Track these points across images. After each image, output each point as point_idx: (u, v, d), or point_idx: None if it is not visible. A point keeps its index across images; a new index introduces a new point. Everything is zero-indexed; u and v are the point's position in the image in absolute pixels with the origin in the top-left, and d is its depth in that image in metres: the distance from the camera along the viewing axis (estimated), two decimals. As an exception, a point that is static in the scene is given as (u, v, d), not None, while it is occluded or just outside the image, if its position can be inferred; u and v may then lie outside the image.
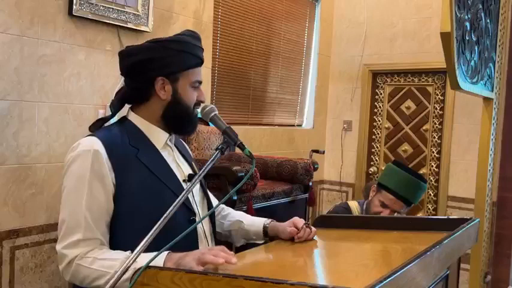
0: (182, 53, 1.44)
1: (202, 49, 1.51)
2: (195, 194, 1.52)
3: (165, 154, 1.48)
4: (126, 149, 1.39)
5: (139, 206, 1.35)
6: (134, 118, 1.48)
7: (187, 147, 1.72)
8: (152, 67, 1.43)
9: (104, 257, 1.27)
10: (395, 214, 2.29)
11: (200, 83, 1.50)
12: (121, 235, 1.34)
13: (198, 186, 1.55)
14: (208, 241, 1.51)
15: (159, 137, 1.47)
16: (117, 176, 1.34)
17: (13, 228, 2.23)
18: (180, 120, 1.48)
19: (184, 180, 1.48)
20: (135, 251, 1.08)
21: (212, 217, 1.61)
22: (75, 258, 1.29)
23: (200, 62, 1.50)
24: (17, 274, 2.26)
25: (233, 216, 1.70)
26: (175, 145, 1.56)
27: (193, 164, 1.60)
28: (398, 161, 2.45)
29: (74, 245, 1.30)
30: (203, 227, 1.51)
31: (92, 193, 1.32)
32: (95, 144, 1.35)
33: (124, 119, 1.49)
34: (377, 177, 4.45)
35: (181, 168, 1.51)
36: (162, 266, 1.18)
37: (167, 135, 1.49)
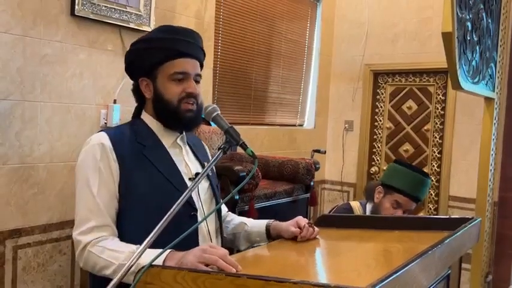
0: (151, 49, 1.48)
1: (182, 40, 1.49)
2: (201, 192, 1.53)
3: (174, 152, 1.51)
4: (132, 145, 1.45)
5: (143, 200, 1.39)
6: (146, 117, 1.54)
7: (207, 148, 1.74)
8: (134, 70, 1.54)
9: (113, 248, 1.32)
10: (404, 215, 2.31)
11: (183, 74, 1.48)
12: (125, 227, 1.39)
13: (206, 185, 1.57)
14: (212, 239, 1.52)
15: (168, 135, 1.52)
16: (121, 169, 1.40)
17: (15, 227, 2.24)
18: (166, 117, 1.50)
19: (190, 179, 1.49)
20: (138, 251, 1.09)
21: (220, 216, 1.62)
22: (88, 244, 1.35)
23: (176, 54, 1.47)
24: (19, 273, 2.26)
25: (236, 221, 1.72)
26: (189, 144, 1.59)
27: (205, 164, 1.61)
28: (400, 160, 2.47)
29: (88, 232, 1.36)
30: (207, 226, 1.51)
31: (101, 180, 1.39)
32: (102, 138, 1.44)
33: (137, 118, 1.56)
34: (378, 177, 4.45)
35: (189, 167, 1.53)
36: (161, 264, 1.19)
37: (177, 134, 1.54)
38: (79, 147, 2.41)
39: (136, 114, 1.58)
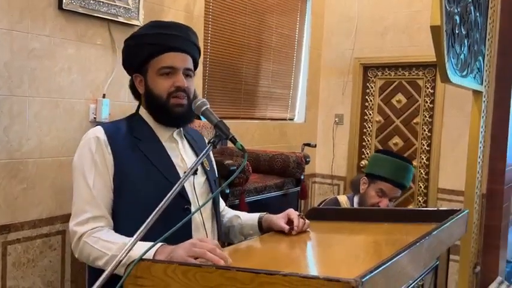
0: (140, 45, 1.51)
1: (170, 34, 1.49)
2: (197, 186, 1.54)
3: (170, 146, 1.53)
4: (128, 139, 1.47)
5: (137, 193, 1.41)
6: (143, 112, 1.56)
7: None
8: (128, 66, 1.58)
9: (107, 239, 1.34)
10: (390, 203, 2.34)
11: (171, 68, 1.48)
12: (120, 219, 1.41)
13: (202, 179, 1.58)
14: (207, 233, 1.53)
15: (165, 130, 1.53)
16: (116, 162, 1.42)
17: (5, 223, 2.22)
18: (156, 112, 1.52)
19: (185, 172, 1.49)
20: (129, 243, 1.09)
21: (216, 209, 1.63)
22: (84, 235, 1.37)
23: (164, 48, 1.48)
24: (9, 269, 2.25)
25: (230, 214, 1.73)
26: (188, 139, 1.61)
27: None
28: (382, 150, 2.51)
29: (84, 223, 1.38)
30: (202, 219, 1.52)
31: (97, 172, 1.41)
32: (98, 132, 1.46)
33: (135, 113, 1.58)
34: (368, 170, 4.47)
35: (185, 161, 1.54)
36: (152, 258, 1.19)
37: (173, 128, 1.55)
38: (68, 142, 2.43)
39: (137, 109, 1.60)
